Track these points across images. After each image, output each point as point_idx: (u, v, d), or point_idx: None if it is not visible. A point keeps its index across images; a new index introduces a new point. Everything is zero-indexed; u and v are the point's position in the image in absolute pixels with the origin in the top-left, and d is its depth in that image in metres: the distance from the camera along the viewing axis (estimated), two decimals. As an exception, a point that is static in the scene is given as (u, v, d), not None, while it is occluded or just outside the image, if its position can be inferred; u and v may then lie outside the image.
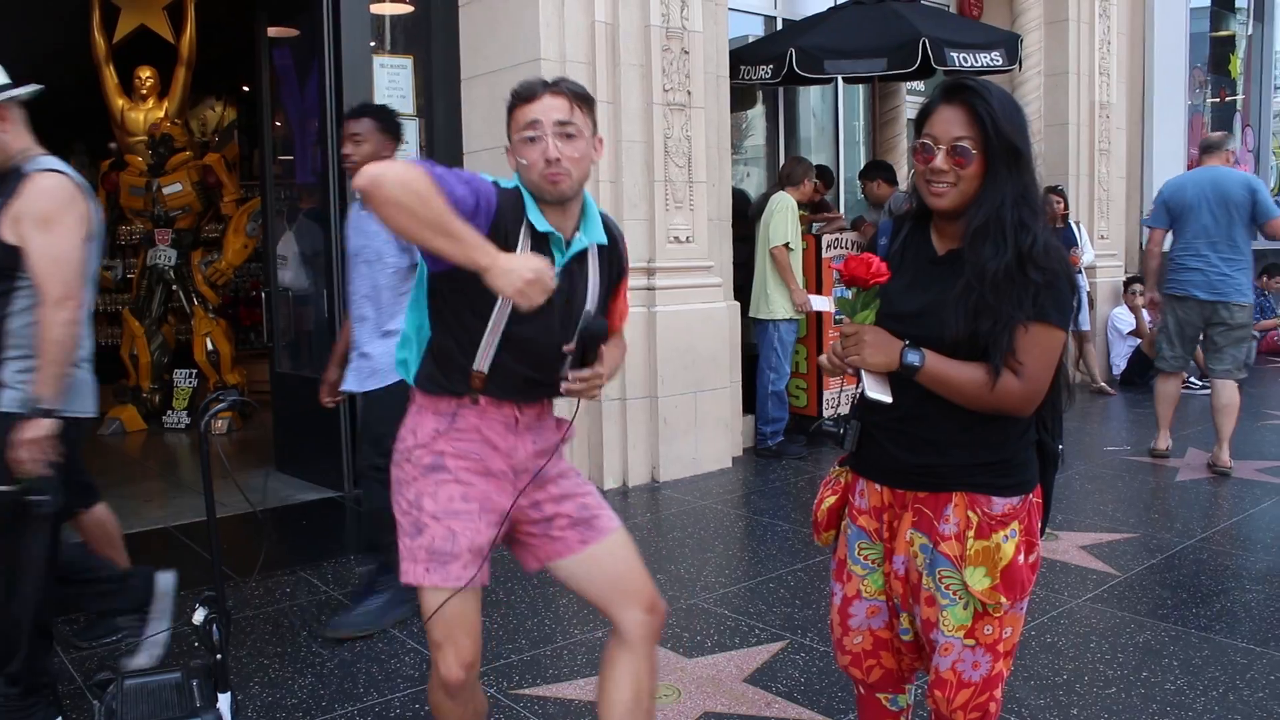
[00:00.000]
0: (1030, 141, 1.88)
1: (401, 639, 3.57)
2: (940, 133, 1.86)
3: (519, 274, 1.84)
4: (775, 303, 6.33)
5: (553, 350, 2.14)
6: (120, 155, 8.43)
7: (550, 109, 2.03)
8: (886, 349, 1.84)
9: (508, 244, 2.00)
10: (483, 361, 2.08)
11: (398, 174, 1.82)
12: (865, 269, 1.83)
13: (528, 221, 2.05)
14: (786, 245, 6.27)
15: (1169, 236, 5.94)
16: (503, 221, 2.01)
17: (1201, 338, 5.88)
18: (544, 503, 2.22)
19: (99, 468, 6.56)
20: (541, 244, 2.07)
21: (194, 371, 8.00)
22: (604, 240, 2.16)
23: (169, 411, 7.93)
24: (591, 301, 2.16)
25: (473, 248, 1.84)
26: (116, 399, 8.06)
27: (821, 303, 6.20)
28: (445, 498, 2.11)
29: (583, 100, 2.08)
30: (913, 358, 1.82)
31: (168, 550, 4.78)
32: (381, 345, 3.53)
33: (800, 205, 6.51)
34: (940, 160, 1.86)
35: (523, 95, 2.06)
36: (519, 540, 2.26)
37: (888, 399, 1.85)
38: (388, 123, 3.61)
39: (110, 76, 8.05)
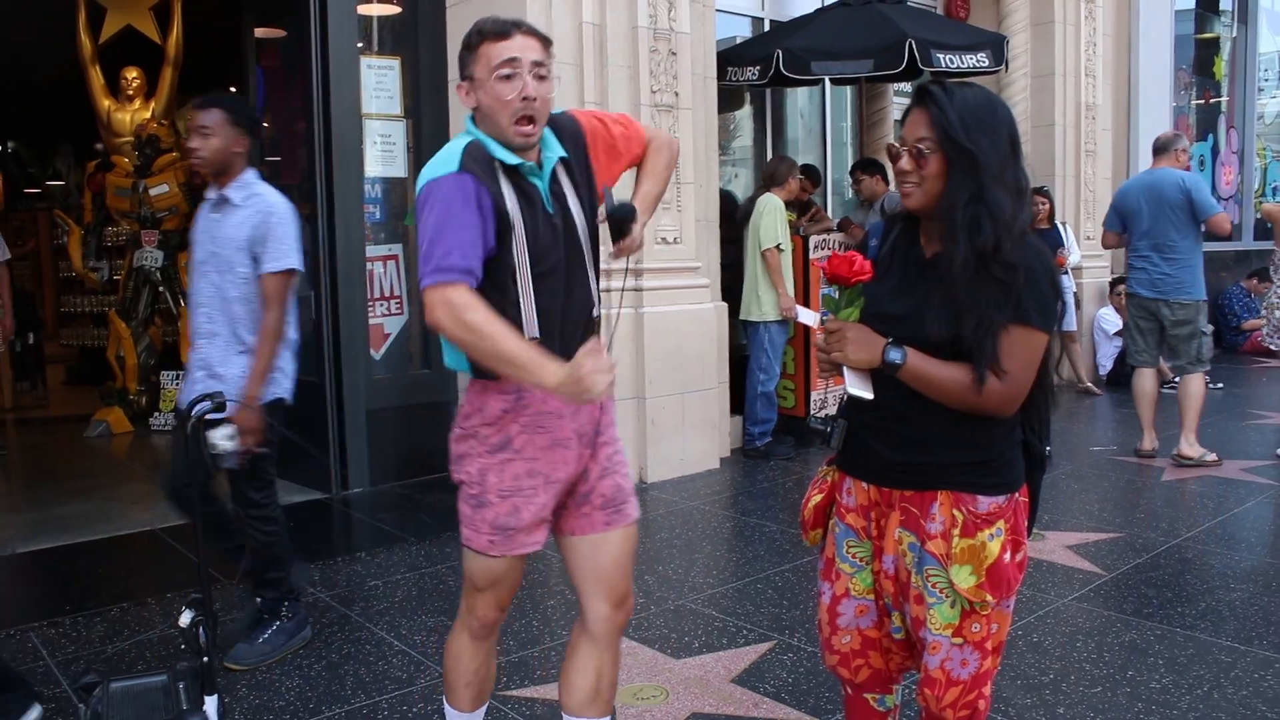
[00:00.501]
0: (998, 142, 1.85)
1: (389, 641, 3.56)
2: (907, 134, 1.90)
3: (577, 378, 1.83)
4: (766, 304, 6.32)
5: (575, 271, 2.17)
6: (107, 156, 8.38)
7: (527, 49, 2.05)
8: (869, 346, 1.85)
9: (498, 203, 2.03)
10: (530, 326, 2.10)
11: (451, 314, 1.92)
12: (848, 267, 1.86)
13: (498, 163, 2.06)
14: (778, 247, 6.27)
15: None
16: (491, 190, 2.03)
17: None
18: (592, 473, 2.25)
19: (86, 469, 6.57)
20: (517, 179, 2.08)
21: (181, 373, 7.96)
22: (563, 153, 2.17)
23: (156, 413, 7.89)
24: (577, 211, 2.18)
25: (536, 370, 1.88)
26: (103, 401, 8.03)
27: (807, 316, 6.18)
28: (511, 476, 2.16)
29: (548, 44, 2.12)
30: (894, 355, 1.84)
31: (154, 553, 4.77)
32: (238, 365, 3.26)
33: (787, 204, 6.50)
34: (905, 161, 1.89)
35: (495, 32, 2.06)
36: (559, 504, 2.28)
37: (869, 395, 1.87)
38: (239, 115, 3.34)
39: (96, 77, 7.99)
